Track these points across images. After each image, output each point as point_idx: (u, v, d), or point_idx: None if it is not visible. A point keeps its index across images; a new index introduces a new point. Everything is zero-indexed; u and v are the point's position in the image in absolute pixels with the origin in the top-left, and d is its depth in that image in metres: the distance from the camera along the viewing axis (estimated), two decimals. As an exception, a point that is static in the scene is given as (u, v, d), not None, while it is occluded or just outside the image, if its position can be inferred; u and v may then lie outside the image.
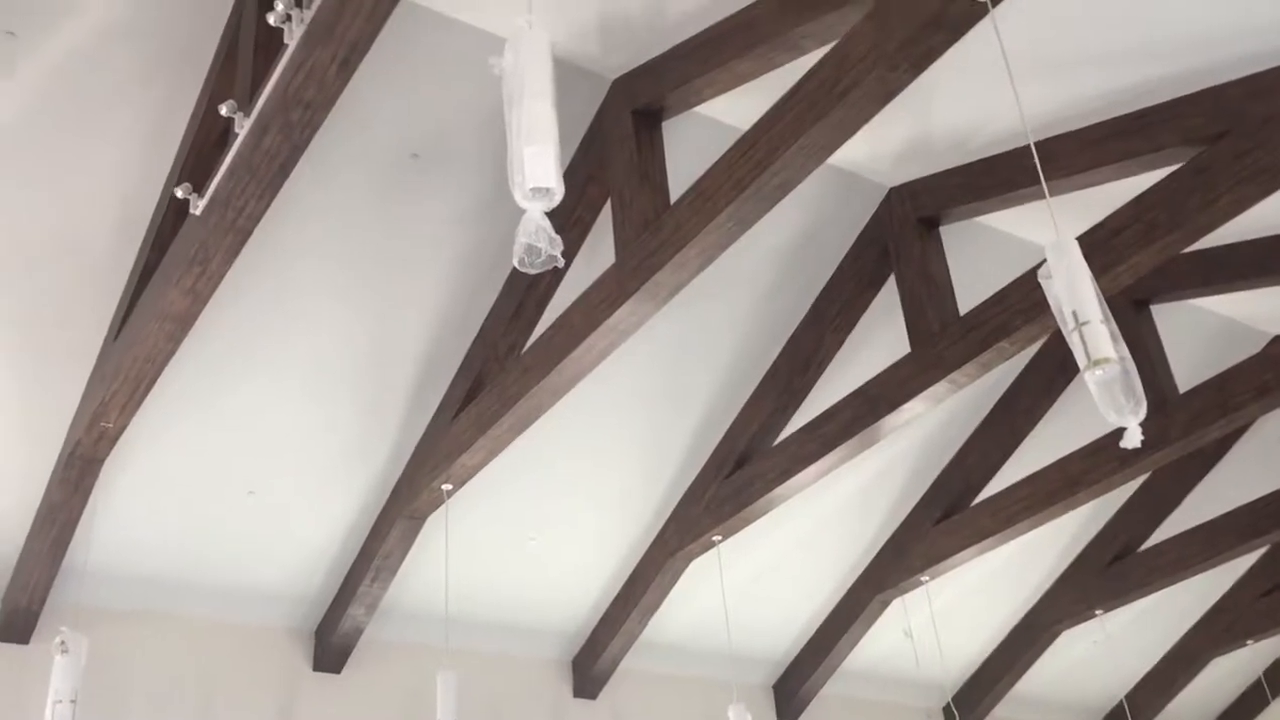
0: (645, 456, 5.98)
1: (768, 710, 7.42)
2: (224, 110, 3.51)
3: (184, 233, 3.89)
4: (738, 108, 4.40)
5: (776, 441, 5.63)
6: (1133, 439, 2.80)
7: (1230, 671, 8.98)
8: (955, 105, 4.53)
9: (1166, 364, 5.45)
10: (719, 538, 5.90)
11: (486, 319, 5.09)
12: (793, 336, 5.70)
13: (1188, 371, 5.56)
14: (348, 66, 3.15)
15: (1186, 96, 4.10)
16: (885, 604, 6.95)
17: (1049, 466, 5.76)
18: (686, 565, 6.22)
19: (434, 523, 5.50)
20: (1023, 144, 4.54)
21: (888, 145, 4.85)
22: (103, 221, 4.36)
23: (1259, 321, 6.17)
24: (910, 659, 7.46)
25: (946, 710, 8.09)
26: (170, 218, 4.17)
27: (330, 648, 5.94)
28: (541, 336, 4.50)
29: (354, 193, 4.56)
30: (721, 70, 4.03)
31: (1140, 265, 4.07)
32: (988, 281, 4.65)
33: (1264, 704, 9.09)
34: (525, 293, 4.92)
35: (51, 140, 4.12)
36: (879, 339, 5.55)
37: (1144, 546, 7.15)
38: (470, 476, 5.08)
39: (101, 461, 4.66)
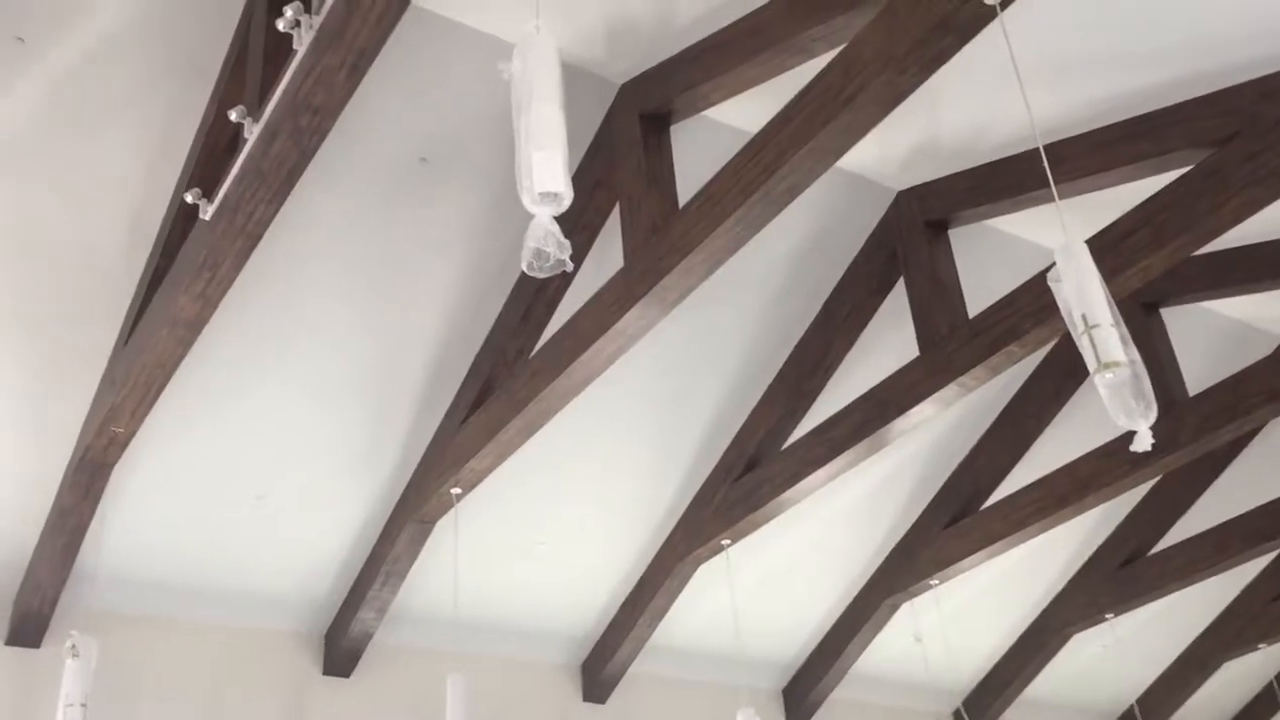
0: (654, 460, 5.98)
1: (777, 715, 7.41)
2: (233, 116, 3.52)
3: (194, 238, 3.91)
4: (746, 112, 4.40)
5: (785, 445, 5.62)
6: (1143, 442, 2.80)
7: (1241, 676, 8.94)
8: (964, 108, 4.53)
9: (1177, 367, 5.43)
10: (728, 541, 5.90)
11: (495, 323, 5.10)
12: (801, 340, 5.69)
13: (1198, 374, 5.54)
14: (356, 72, 3.15)
15: (1196, 99, 4.08)
16: (895, 608, 6.93)
17: (1059, 470, 5.74)
18: (695, 569, 6.22)
19: (443, 527, 5.51)
20: (1031, 147, 4.53)
21: (896, 148, 4.84)
22: (113, 227, 4.37)
23: (1270, 324, 6.14)
24: (920, 663, 7.44)
25: (956, 714, 8.06)
26: (180, 223, 4.19)
27: (340, 652, 5.95)
28: (550, 340, 4.50)
29: (362, 197, 4.57)
30: (729, 74, 4.03)
31: (1150, 268, 4.06)
32: (997, 285, 4.64)
33: (1275, 709, 9.05)
34: (534, 297, 4.92)
35: (61, 146, 4.13)
36: (888, 343, 5.54)
37: (1154, 550, 7.12)
38: (479, 480, 5.08)
39: (112, 466, 4.67)
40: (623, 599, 6.54)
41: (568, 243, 2.23)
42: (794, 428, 5.74)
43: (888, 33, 3.19)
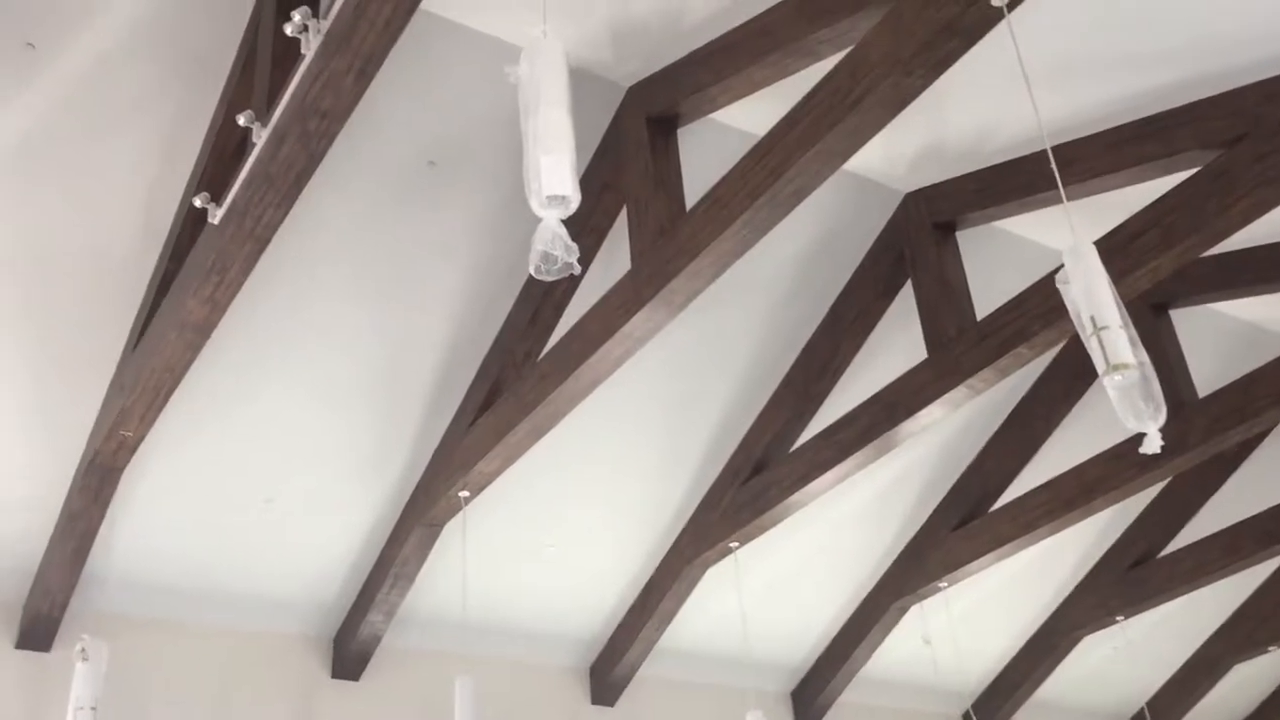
0: (662, 463, 5.98)
1: (786, 718, 7.40)
2: (241, 120, 3.53)
3: (202, 242, 3.91)
4: (753, 114, 4.40)
5: (793, 448, 5.62)
6: (1152, 444, 2.80)
7: (1252, 678, 8.91)
8: (971, 110, 4.52)
9: (1186, 369, 5.42)
10: (736, 544, 5.89)
11: (503, 326, 5.10)
12: (809, 343, 5.68)
13: (1207, 376, 5.52)
14: (364, 76, 3.16)
15: (1204, 100, 4.08)
16: (903, 610, 6.92)
17: (1067, 472, 5.73)
18: (703, 572, 6.21)
19: (451, 530, 5.51)
20: (1039, 148, 4.52)
21: (903, 150, 4.84)
22: (122, 231, 4.38)
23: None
24: (929, 666, 7.42)
25: (966, 717, 8.04)
26: (188, 227, 4.19)
27: (348, 655, 5.95)
28: (558, 343, 4.51)
29: (371, 201, 4.58)
30: (736, 77, 4.03)
31: (1159, 269, 4.05)
32: (1005, 287, 4.63)
33: (1287, 711, 9.03)
34: (541, 300, 4.92)
35: (70, 151, 4.15)
36: (896, 345, 5.53)
37: (1164, 552, 7.10)
38: (487, 483, 5.09)
39: (121, 470, 4.68)
40: (631, 602, 6.54)
41: (575, 245, 2.23)
42: (802, 430, 5.74)
43: (894, 35, 3.19)
